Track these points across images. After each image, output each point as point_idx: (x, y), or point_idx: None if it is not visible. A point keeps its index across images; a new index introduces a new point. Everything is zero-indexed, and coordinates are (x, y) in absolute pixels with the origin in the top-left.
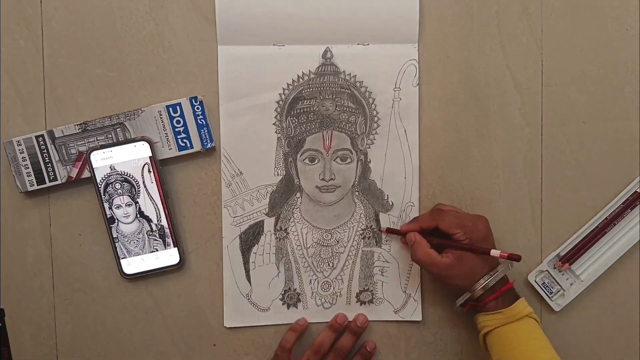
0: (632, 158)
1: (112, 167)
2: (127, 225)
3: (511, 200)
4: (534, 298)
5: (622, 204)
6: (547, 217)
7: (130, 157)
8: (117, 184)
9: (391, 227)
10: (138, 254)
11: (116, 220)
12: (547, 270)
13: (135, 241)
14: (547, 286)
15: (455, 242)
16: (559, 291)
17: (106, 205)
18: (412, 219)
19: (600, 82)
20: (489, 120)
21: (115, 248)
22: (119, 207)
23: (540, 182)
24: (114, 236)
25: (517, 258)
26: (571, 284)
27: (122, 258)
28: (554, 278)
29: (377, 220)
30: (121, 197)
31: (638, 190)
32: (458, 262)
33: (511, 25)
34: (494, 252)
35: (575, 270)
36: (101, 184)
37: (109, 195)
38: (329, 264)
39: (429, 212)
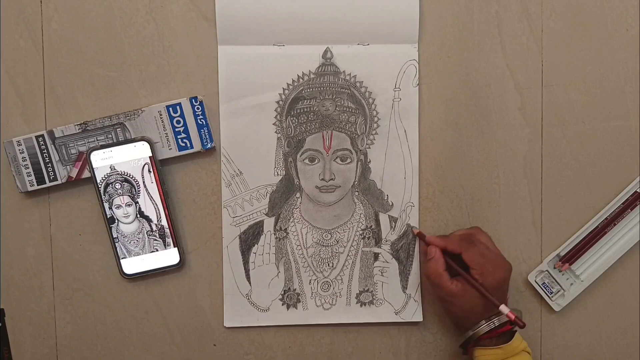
0: (632, 158)
1: (112, 167)
2: (127, 225)
3: (511, 200)
4: (534, 298)
5: (622, 204)
6: (547, 217)
7: (130, 157)
8: (117, 184)
9: (419, 230)
10: (138, 254)
11: (116, 220)
12: (547, 270)
13: (135, 241)
14: (547, 286)
15: (469, 278)
16: (559, 291)
17: (106, 205)
18: (445, 235)
19: (600, 82)
20: (489, 120)
21: (116, 248)
22: (119, 207)
23: (540, 182)
24: (114, 236)
25: (522, 325)
26: (571, 284)
27: (122, 258)
28: (554, 278)
29: (377, 221)
30: (121, 197)
31: (638, 190)
32: (463, 294)
33: (511, 25)
34: (503, 309)
35: (575, 270)
36: (101, 184)
37: (109, 195)
38: (328, 264)
39: (465, 231)
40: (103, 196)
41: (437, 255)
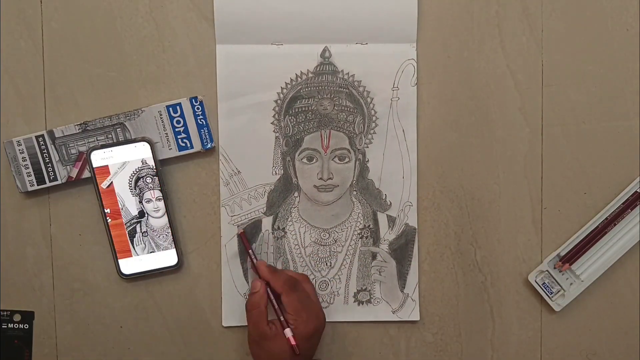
0: (632, 158)
1: (143, 162)
2: (156, 219)
3: (511, 200)
4: (534, 298)
5: (622, 204)
6: (547, 217)
7: (131, 157)
8: (148, 178)
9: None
10: (136, 255)
11: (146, 215)
12: (547, 270)
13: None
14: (547, 286)
15: (282, 315)
16: (559, 291)
17: (136, 199)
18: (275, 268)
19: (600, 82)
20: (489, 120)
21: (114, 247)
22: (149, 201)
23: (540, 182)
24: (143, 230)
25: (297, 353)
26: (571, 284)
27: (120, 258)
28: (554, 278)
29: (375, 220)
30: (152, 191)
31: (638, 190)
32: (275, 338)
33: (511, 25)
34: (287, 332)
35: (575, 270)
36: (132, 178)
37: (139, 189)
38: (326, 264)
39: (293, 274)
40: (134, 190)
41: (262, 290)
